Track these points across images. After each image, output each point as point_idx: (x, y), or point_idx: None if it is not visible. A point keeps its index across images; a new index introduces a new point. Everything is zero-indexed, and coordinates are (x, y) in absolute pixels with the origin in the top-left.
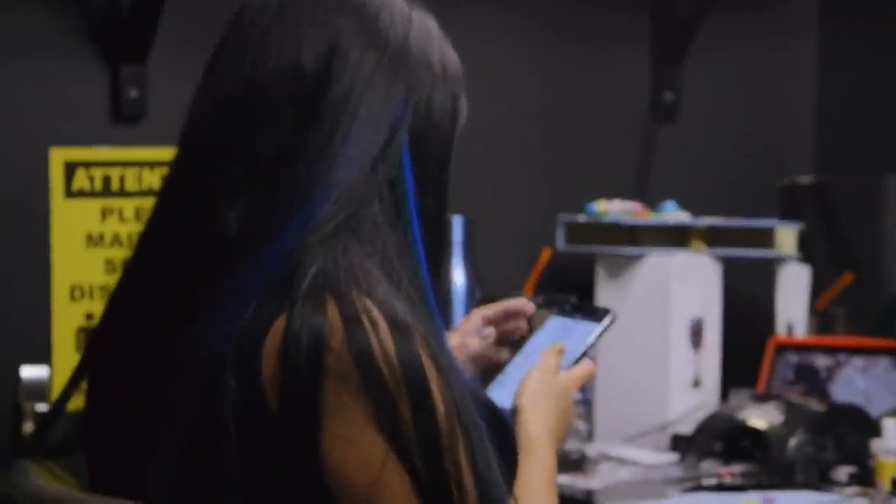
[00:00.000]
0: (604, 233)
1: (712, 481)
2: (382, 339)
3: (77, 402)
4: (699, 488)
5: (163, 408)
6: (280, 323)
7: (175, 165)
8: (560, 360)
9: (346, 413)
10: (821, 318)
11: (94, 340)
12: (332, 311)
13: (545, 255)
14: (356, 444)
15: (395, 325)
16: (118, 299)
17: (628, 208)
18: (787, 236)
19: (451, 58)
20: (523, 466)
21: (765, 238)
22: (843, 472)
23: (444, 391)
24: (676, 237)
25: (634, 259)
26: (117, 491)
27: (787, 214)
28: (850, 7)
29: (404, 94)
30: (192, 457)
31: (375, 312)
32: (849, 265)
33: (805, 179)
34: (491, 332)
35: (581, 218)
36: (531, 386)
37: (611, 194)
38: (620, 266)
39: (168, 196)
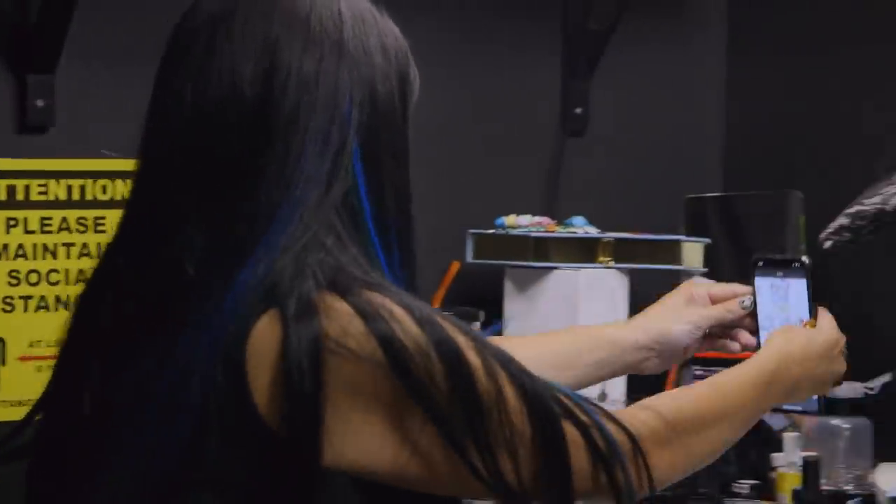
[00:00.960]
0: (513, 246)
1: None
2: (406, 326)
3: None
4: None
5: (133, 436)
6: (263, 335)
7: (134, 190)
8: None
9: (365, 405)
10: None
11: (62, 358)
12: (335, 310)
13: (454, 268)
14: (376, 431)
15: (412, 312)
16: (82, 324)
17: (537, 222)
18: (693, 251)
19: (391, 34)
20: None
21: (671, 252)
22: (745, 485)
23: (479, 352)
24: (584, 251)
25: (543, 273)
26: None
27: (693, 229)
28: (757, 27)
29: (349, 96)
30: (176, 483)
31: (389, 303)
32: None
33: (711, 194)
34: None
35: (490, 231)
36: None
37: (520, 208)
38: (529, 279)
39: (128, 223)
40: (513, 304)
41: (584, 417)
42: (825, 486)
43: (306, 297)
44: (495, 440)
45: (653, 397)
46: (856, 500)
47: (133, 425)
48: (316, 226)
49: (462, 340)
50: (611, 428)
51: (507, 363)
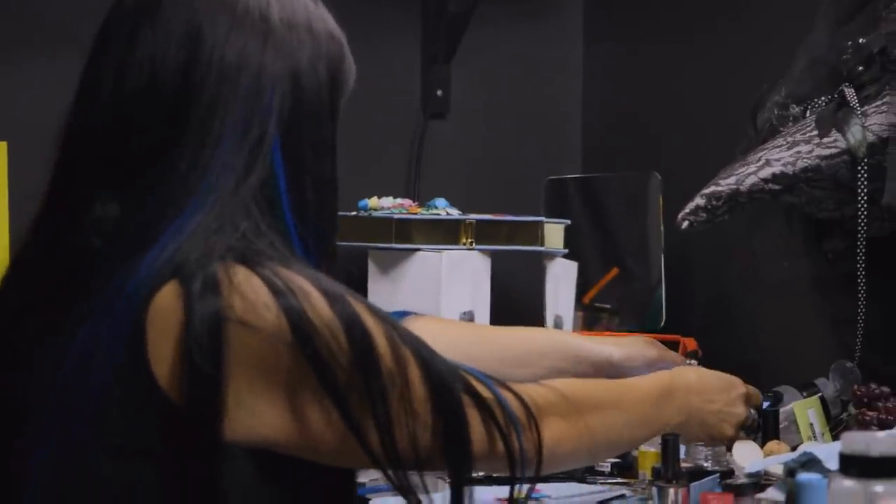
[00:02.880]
0: (375, 228)
1: (481, 474)
2: (315, 303)
3: None
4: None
5: (41, 422)
6: (164, 306)
7: (52, 177)
8: None
9: (262, 380)
10: (588, 312)
11: None
12: (243, 284)
13: None
14: (278, 406)
15: (324, 290)
16: None
17: (399, 204)
18: (554, 232)
19: (321, 21)
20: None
21: (533, 233)
22: (607, 463)
23: (387, 334)
24: (447, 233)
25: (405, 254)
26: None
27: (554, 211)
28: (614, 7)
29: (271, 87)
30: (84, 464)
31: (301, 280)
32: (615, 260)
33: (571, 176)
34: None
35: (353, 213)
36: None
37: (382, 191)
38: (392, 261)
39: (45, 208)
40: (376, 286)
41: (485, 393)
42: (684, 462)
43: (212, 273)
44: (396, 418)
45: (556, 380)
46: (714, 476)
47: (47, 401)
48: (230, 213)
49: (371, 321)
50: (510, 400)
51: (415, 345)
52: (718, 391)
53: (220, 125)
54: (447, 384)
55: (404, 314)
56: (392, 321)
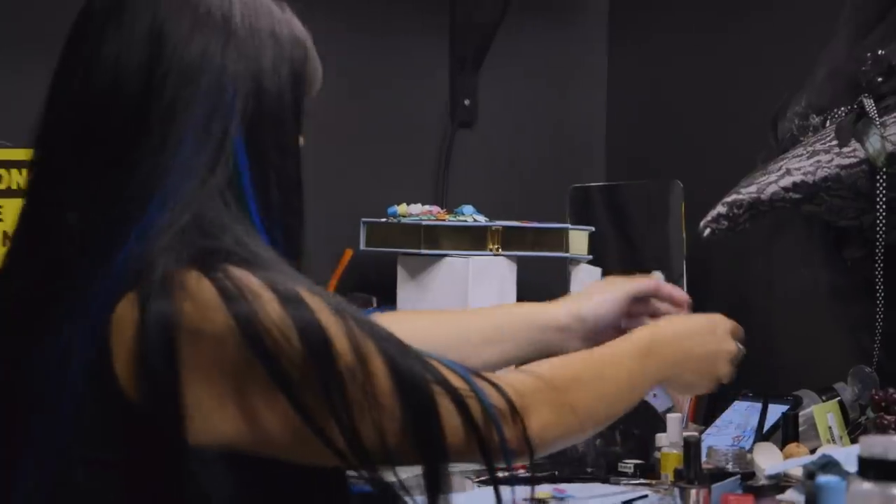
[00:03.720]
0: (404, 234)
1: (505, 474)
2: (267, 305)
3: None
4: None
5: (24, 430)
6: (124, 313)
7: (29, 179)
8: None
9: (219, 383)
10: None
11: None
12: (194, 289)
13: (347, 255)
14: (234, 408)
15: (277, 291)
16: None
17: (428, 211)
18: (578, 238)
19: (286, 26)
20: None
21: (558, 239)
22: (630, 464)
23: (346, 329)
24: (474, 239)
25: (433, 259)
26: None
27: (578, 218)
28: (637, 20)
29: (233, 88)
30: (67, 462)
31: (254, 282)
32: (638, 267)
33: (596, 184)
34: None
35: (383, 220)
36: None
37: (411, 198)
38: (420, 266)
39: (23, 213)
40: (405, 291)
41: (458, 384)
42: (706, 464)
43: (167, 277)
44: (359, 412)
45: (532, 363)
46: (736, 477)
47: (28, 409)
48: (193, 213)
49: (329, 318)
50: (487, 391)
51: (380, 339)
52: (706, 333)
53: (181, 126)
54: (416, 375)
55: (374, 311)
56: (355, 316)
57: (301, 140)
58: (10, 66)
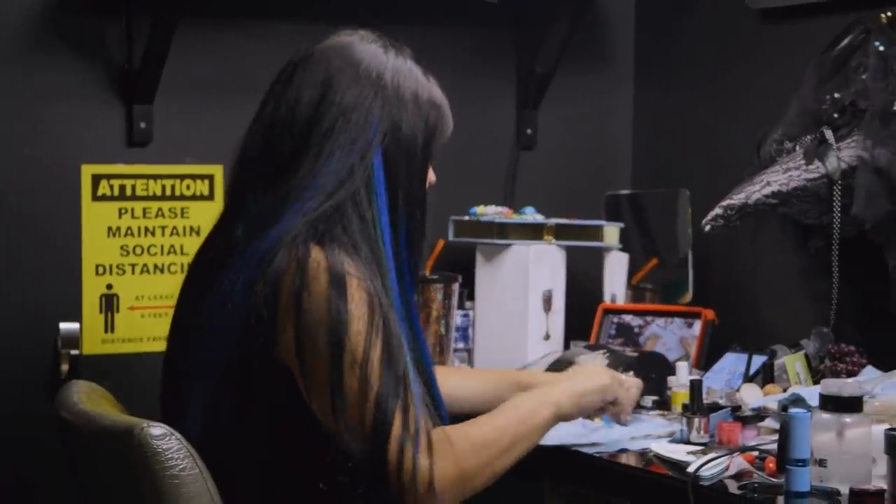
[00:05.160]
0: (481, 229)
1: None
2: (318, 284)
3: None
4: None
5: (201, 347)
6: (276, 266)
7: (229, 182)
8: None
9: (292, 328)
10: (634, 290)
11: (179, 295)
12: (296, 256)
13: (439, 245)
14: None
15: (333, 274)
16: (190, 269)
17: (500, 211)
18: (611, 232)
19: (426, 89)
20: (517, 403)
21: (595, 233)
22: (649, 400)
23: (369, 327)
24: (534, 232)
25: (503, 248)
26: (166, 410)
27: (611, 217)
28: (657, 71)
29: (377, 123)
30: (225, 384)
31: (323, 261)
32: (654, 253)
33: (624, 192)
34: None
35: (466, 218)
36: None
37: (487, 201)
38: (493, 253)
39: (224, 199)
40: (482, 272)
41: (410, 426)
42: (705, 400)
43: (292, 248)
44: (349, 389)
45: (470, 421)
46: (727, 409)
47: (205, 336)
48: (332, 202)
49: (376, 335)
50: (422, 443)
51: (394, 351)
52: (589, 392)
53: (333, 145)
54: (390, 398)
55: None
56: (392, 341)
57: (432, 175)
58: (198, 106)
